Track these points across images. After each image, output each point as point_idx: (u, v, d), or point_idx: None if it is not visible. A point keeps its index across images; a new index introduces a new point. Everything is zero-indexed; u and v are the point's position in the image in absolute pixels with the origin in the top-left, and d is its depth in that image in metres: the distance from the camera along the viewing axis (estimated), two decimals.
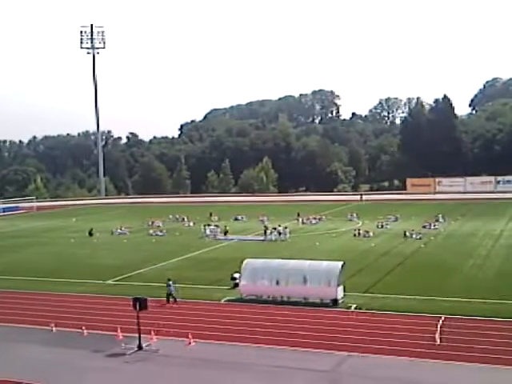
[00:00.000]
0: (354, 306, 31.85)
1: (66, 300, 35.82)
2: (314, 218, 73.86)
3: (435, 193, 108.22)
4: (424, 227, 62.70)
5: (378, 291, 35.13)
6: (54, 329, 29.66)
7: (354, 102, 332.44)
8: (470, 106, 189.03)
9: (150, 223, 74.75)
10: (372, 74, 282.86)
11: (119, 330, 28.15)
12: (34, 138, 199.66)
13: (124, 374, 23.86)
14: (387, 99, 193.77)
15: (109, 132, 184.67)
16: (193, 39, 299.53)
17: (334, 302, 32.12)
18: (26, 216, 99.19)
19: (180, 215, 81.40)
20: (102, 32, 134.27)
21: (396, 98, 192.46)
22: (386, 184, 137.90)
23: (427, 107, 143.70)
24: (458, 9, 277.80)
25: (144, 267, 45.74)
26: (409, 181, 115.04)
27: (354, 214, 75.16)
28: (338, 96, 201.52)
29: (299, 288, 32.94)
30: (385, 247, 51.76)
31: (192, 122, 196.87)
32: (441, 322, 28.27)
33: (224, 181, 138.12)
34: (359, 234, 59.30)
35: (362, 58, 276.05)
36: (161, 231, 67.72)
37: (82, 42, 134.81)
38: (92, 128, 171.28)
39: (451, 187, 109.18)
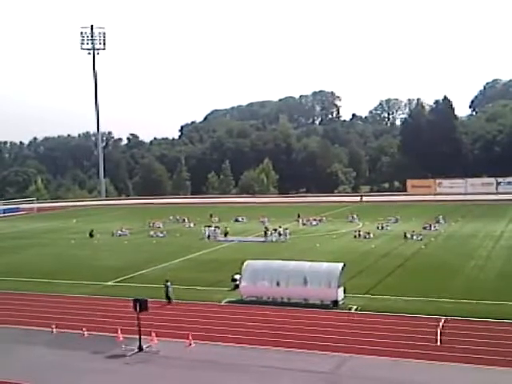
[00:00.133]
0: (355, 307, 31.85)
1: (66, 301, 35.81)
2: (315, 220, 73.84)
3: (435, 194, 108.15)
4: (424, 228, 62.70)
5: (379, 293, 35.11)
6: (54, 330, 29.65)
7: (355, 103, 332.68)
8: (470, 107, 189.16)
9: (151, 224, 74.72)
10: (372, 75, 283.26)
11: (119, 332, 28.14)
12: (35, 139, 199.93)
13: (124, 375, 23.85)
14: (387, 100, 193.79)
15: (109, 133, 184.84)
16: (193, 40, 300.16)
17: (335, 303, 32.11)
18: (27, 217, 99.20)
19: (180, 216, 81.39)
20: (103, 33, 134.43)
21: (396, 99, 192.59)
22: (387, 185, 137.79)
23: (427, 108, 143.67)
24: (459, 10, 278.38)
25: (144, 268, 45.71)
26: (409, 182, 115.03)
27: (355, 216, 75.12)
28: (338, 97, 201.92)
29: (300, 289, 32.93)
30: (385, 248, 51.75)
31: (192, 123, 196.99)
32: (442, 323, 28.25)
33: (224, 182, 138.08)
34: (359, 235, 59.29)
35: (362, 59, 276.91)
36: (161, 232, 67.71)
37: (82, 43, 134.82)
38: (92, 129, 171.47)
39: (451, 188, 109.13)
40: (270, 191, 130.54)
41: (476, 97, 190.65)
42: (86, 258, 52.96)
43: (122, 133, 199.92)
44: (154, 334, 27.31)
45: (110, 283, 41.11)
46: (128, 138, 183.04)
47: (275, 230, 60.52)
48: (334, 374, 23.00)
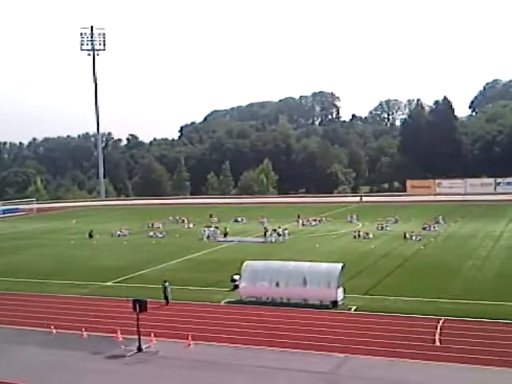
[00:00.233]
0: (354, 307, 31.87)
1: (65, 302, 35.83)
2: (314, 220, 73.84)
3: (435, 194, 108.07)
4: (424, 229, 62.71)
5: (378, 293, 35.13)
6: (53, 331, 29.66)
7: (354, 104, 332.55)
8: (470, 107, 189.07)
9: (150, 225, 74.69)
10: (372, 76, 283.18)
11: (119, 332, 28.15)
12: (34, 139, 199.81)
13: (124, 375, 23.87)
14: (387, 101, 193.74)
15: (109, 134, 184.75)
16: (193, 41, 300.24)
17: (334, 303, 32.13)
18: (26, 218, 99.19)
19: (180, 217, 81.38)
20: (103, 34, 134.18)
21: (396, 100, 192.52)
22: (386, 186, 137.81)
23: (427, 109, 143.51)
24: (458, 11, 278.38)
25: (144, 269, 45.73)
26: (409, 182, 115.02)
27: (354, 216, 75.12)
28: (338, 98, 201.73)
29: (299, 290, 32.94)
30: (385, 249, 51.77)
31: (192, 123, 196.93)
32: (441, 323, 28.28)
33: (224, 182, 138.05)
34: (359, 235, 59.31)
35: (362, 59, 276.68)
36: (161, 233, 67.71)
37: (82, 44, 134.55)
38: (92, 130, 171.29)
39: (451, 189, 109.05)
40: (269, 192, 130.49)
41: (476, 97, 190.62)
42: (85, 258, 52.97)
43: (121, 133, 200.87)
44: (153, 335, 27.33)
45: (109, 283, 41.13)
46: (127, 139, 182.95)
47: (274, 230, 60.54)
48: (330, 373, 23.00)
